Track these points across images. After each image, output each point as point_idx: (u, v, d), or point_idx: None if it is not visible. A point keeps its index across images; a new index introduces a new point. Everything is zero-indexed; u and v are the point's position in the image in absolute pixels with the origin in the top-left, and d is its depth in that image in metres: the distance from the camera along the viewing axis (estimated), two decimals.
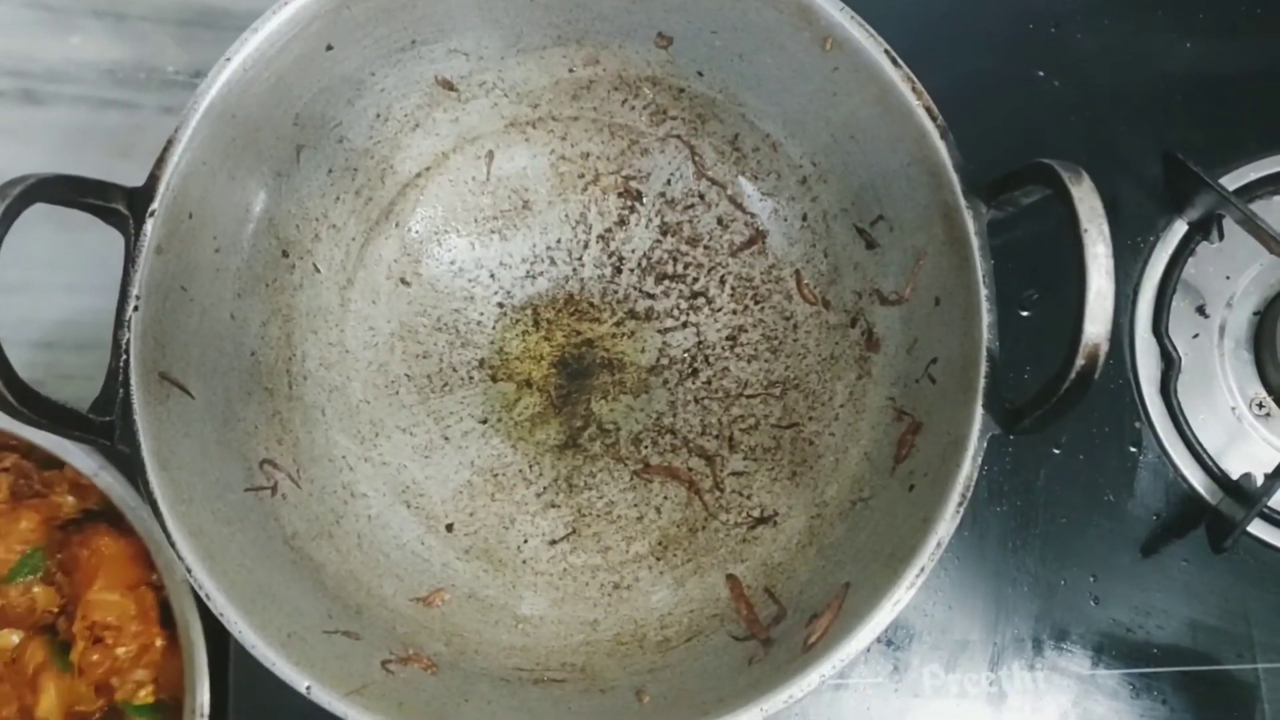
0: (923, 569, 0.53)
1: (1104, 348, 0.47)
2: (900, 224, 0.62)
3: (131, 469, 0.55)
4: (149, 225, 0.56)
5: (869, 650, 0.69)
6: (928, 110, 0.57)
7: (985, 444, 0.54)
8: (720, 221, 0.72)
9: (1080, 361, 0.48)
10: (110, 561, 0.62)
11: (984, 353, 0.55)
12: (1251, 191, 0.76)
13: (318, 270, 0.69)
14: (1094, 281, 0.47)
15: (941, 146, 0.57)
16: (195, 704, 0.60)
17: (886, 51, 0.58)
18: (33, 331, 0.77)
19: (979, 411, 0.54)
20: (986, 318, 0.55)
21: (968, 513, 0.71)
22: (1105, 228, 0.47)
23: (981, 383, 0.54)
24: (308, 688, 0.53)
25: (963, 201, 0.56)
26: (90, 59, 0.79)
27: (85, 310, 0.77)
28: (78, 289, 0.78)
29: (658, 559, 0.68)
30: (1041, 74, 0.79)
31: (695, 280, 0.73)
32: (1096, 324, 0.47)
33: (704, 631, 0.63)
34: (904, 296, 0.63)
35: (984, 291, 0.55)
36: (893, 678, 0.70)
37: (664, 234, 0.73)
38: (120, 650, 0.62)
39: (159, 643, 0.63)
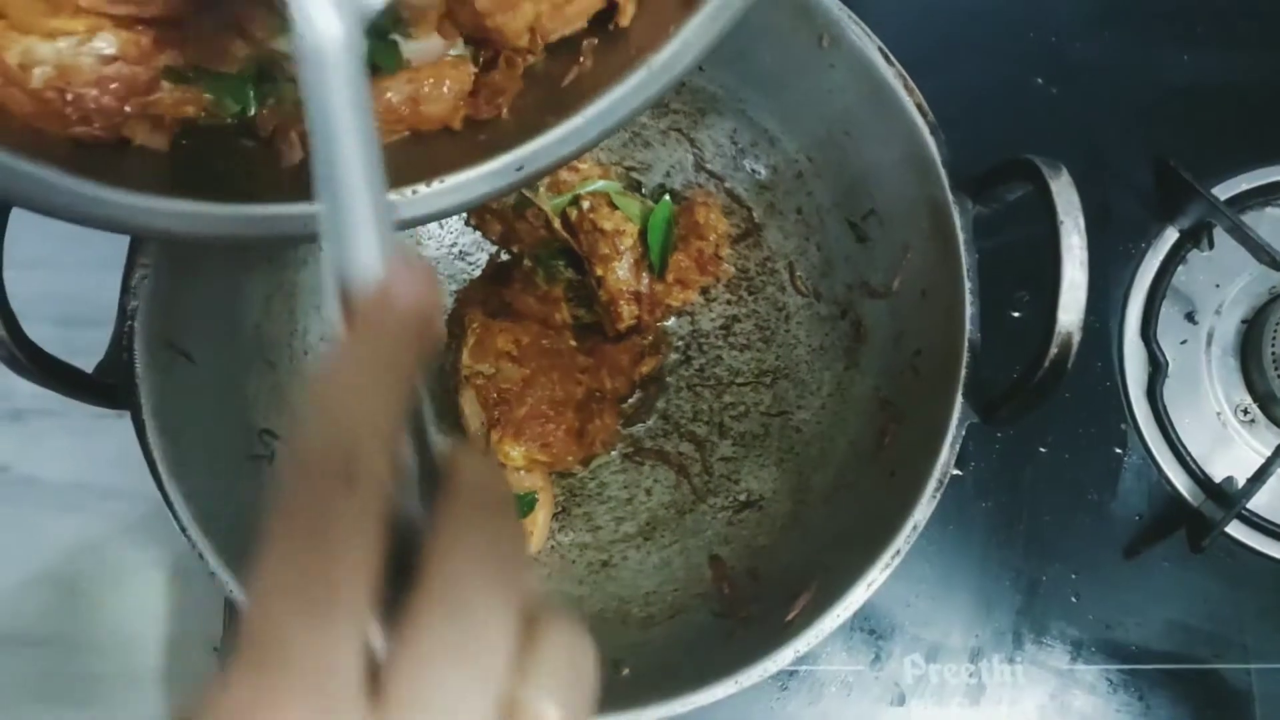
0: (898, 551, 0.54)
1: (1077, 337, 0.49)
2: (890, 218, 0.64)
3: None
4: None
5: (852, 637, 0.71)
6: (919, 107, 0.59)
7: (964, 431, 0.55)
8: None
9: (1054, 350, 0.49)
10: None
11: (966, 343, 0.56)
12: (1243, 202, 0.77)
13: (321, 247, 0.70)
14: (1068, 272, 0.49)
15: (931, 142, 0.58)
16: None
17: (880, 49, 0.59)
18: (49, 307, 0.78)
19: (959, 400, 0.56)
20: (969, 309, 0.56)
21: (952, 508, 0.73)
22: (1080, 220, 0.49)
23: (963, 372, 0.56)
24: None
25: (950, 196, 0.58)
26: None
27: (101, 287, 0.78)
28: (93, 265, 0.79)
29: (646, 539, 0.70)
30: (1040, 81, 0.80)
31: None
32: (1069, 313, 0.49)
33: (686, 609, 0.65)
34: (892, 289, 0.64)
35: (968, 284, 0.57)
36: (874, 666, 0.71)
37: None
38: None
39: None
